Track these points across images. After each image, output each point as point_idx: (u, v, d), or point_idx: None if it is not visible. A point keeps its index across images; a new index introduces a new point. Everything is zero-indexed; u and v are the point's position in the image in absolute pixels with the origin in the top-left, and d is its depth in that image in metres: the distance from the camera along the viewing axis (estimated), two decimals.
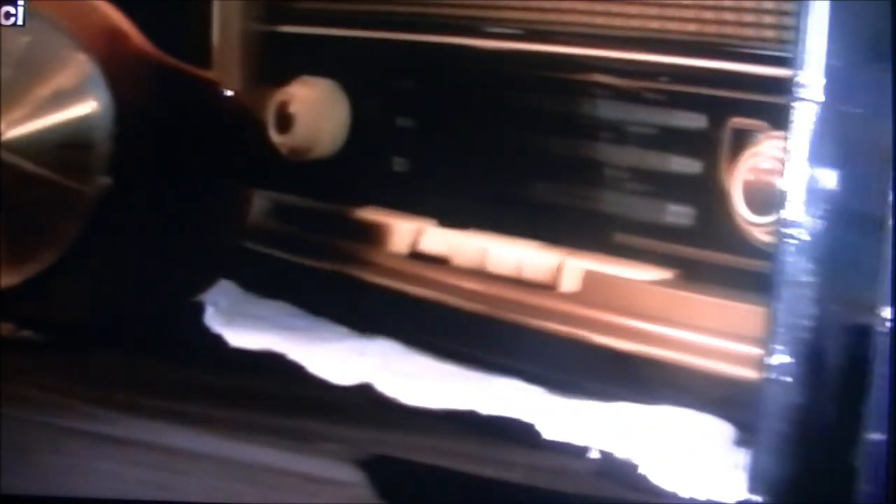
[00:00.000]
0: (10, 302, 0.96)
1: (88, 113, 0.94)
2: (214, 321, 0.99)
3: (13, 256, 0.96)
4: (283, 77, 1.03)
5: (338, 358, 0.94)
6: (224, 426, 0.85)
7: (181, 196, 0.94)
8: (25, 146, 0.95)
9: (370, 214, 1.01)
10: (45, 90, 0.95)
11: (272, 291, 1.03)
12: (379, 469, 0.79)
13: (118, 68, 0.94)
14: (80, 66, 0.94)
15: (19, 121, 0.95)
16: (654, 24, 0.86)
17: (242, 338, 0.97)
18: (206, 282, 0.98)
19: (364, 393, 0.90)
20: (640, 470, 0.79)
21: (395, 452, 0.83)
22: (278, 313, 1.02)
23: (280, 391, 0.91)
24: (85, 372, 0.93)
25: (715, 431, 0.81)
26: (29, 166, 0.95)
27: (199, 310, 0.99)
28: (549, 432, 0.84)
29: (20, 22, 0.90)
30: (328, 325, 1.01)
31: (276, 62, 1.04)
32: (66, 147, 0.95)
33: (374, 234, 1.00)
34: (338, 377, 0.91)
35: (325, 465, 0.80)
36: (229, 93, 0.96)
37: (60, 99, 0.95)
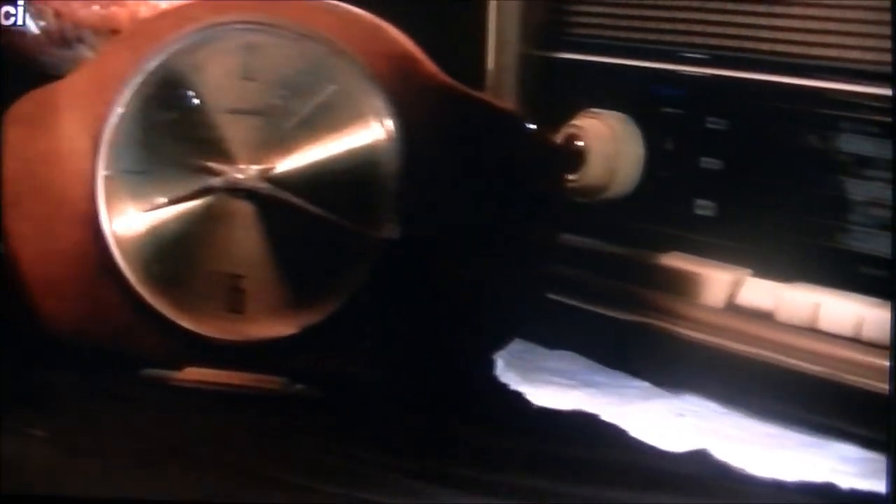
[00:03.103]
0: (284, 354, 0.89)
1: (373, 147, 0.86)
2: (509, 376, 0.90)
3: (288, 304, 0.88)
4: (564, 108, 0.96)
5: (656, 419, 0.85)
6: (535, 498, 0.77)
7: (476, 242, 0.85)
8: (300, 183, 0.87)
9: (673, 261, 0.92)
10: (322, 121, 0.87)
11: (563, 342, 0.94)
12: None
13: (408, 98, 0.86)
14: (364, 94, 0.86)
15: (293, 154, 0.87)
16: None
17: (545, 396, 0.88)
18: (506, 337, 0.88)
19: (699, 460, 0.80)
20: None
21: None
22: (573, 366, 0.93)
23: (598, 457, 0.81)
24: (374, 433, 0.84)
25: None
26: (304, 205, 0.88)
27: (487, 363, 0.91)
28: None
29: (20, 22, 0.84)
30: (628, 379, 0.92)
31: (556, 91, 0.97)
32: (347, 185, 0.86)
33: (681, 283, 0.90)
34: (666, 441, 0.81)
35: None
36: (531, 126, 0.87)
37: (340, 131, 0.86)
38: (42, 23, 1.02)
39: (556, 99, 0.95)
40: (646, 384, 0.90)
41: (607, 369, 0.92)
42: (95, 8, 1.01)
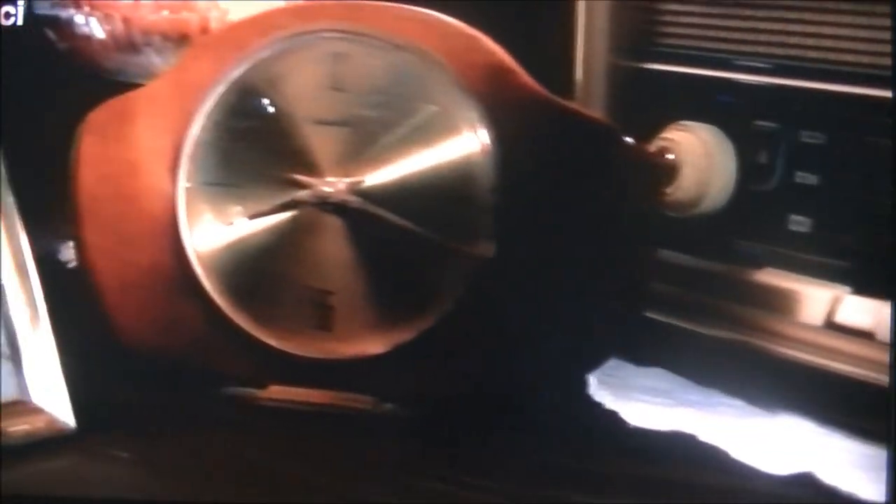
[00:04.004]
0: (373, 372, 0.86)
1: (467, 161, 0.83)
2: (602, 395, 0.88)
3: (378, 322, 0.85)
4: (654, 120, 0.94)
5: (755, 439, 0.83)
6: None
7: (574, 259, 0.82)
8: (391, 196, 0.84)
9: (768, 278, 0.90)
10: (414, 133, 0.84)
11: (652, 359, 0.92)
12: None
13: (503, 110, 0.83)
14: (458, 106, 0.83)
15: (383, 167, 0.85)
16: None
17: (640, 415, 0.86)
18: (603, 356, 0.85)
19: (805, 483, 0.78)
20: None
21: None
22: (665, 384, 0.91)
23: (700, 480, 0.78)
24: (465, 455, 0.82)
25: None
26: (395, 220, 0.85)
27: (581, 382, 0.89)
28: None
29: (20, 22, 0.81)
30: (721, 398, 0.89)
31: (647, 103, 0.95)
32: (439, 199, 0.84)
33: (777, 300, 0.88)
34: (767, 464, 0.79)
35: None
36: (629, 140, 0.85)
37: (433, 144, 0.84)
38: (108, 28, 0.99)
39: (646, 111, 0.93)
40: (740, 403, 0.88)
41: (699, 387, 0.90)
42: (164, 13, 0.99)
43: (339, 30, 0.85)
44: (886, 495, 0.74)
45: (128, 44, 1.00)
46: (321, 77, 0.86)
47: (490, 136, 0.83)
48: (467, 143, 0.84)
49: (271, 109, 0.86)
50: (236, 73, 0.86)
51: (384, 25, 0.85)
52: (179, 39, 0.98)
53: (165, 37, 0.99)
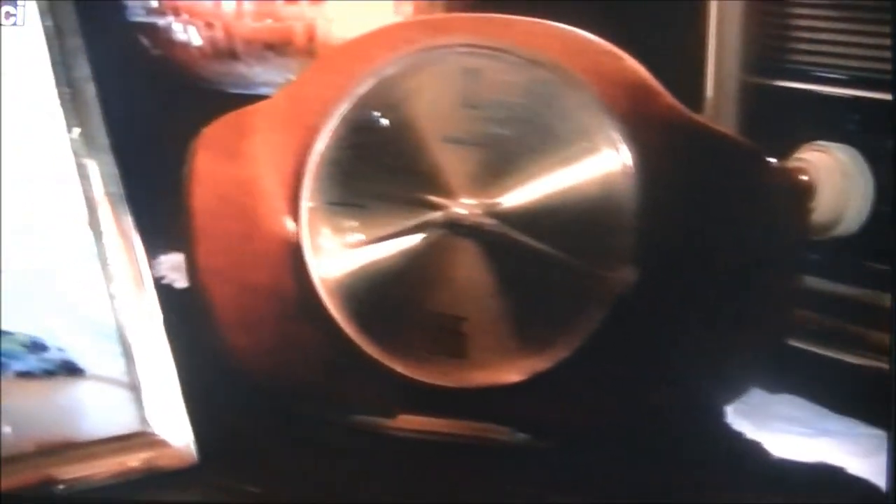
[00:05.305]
0: (508, 402, 0.83)
1: (607, 182, 0.79)
2: (742, 424, 0.85)
3: (514, 349, 0.82)
4: (788, 140, 0.91)
5: None
6: None
7: (719, 285, 0.79)
8: (528, 219, 0.81)
9: None
10: (552, 153, 0.80)
11: (786, 386, 0.89)
12: None
13: (645, 131, 0.79)
14: (598, 126, 0.79)
15: (520, 189, 0.81)
16: None
17: (783, 446, 0.83)
18: (746, 386, 0.81)
19: None
20: None
21: None
22: (802, 413, 0.87)
23: None
24: (604, 488, 0.78)
25: None
26: (533, 243, 0.82)
27: (721, 412, 0.86)
28: None
29: (20, 22, 0.79)
30: (861, 427, 0.86)
31: (780, 122, 0.91)
32: (578, 222, 0.80)
33: None
34: None
35: None
36: (772, 160, 0.82)
37: (572, 164, 0.80)
38: (207, 35, 0.95)
39: (779, 130, 0.90)
40: (881, 432, 0.85)
41: (837, 416, 0.87)
42: (268, 21, 0.95)
43: (473, 44, 0.81)
44: None
45: (227, 52, 0.95)
46: (453, 94, 0.82)
47: (632, 157, 0.80)
48: (608, 164, 0.80)
49: (399, 127, 0.83)
50: (362, 88, 0.83)
51: (520, 40, 0.82)
52: (282, 48, 0.95)
53: (267, 45, 0.95)
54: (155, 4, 0.96)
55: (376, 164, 0.83)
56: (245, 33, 0.95)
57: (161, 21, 0.95)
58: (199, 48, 0.96)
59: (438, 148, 0.82)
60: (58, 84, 0.80)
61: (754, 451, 0.83)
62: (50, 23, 0.81)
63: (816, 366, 0.88)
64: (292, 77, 0.92)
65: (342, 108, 0.83)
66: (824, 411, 0.87)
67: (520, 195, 0.82)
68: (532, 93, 0.81)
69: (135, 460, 0.80)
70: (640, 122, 0.80)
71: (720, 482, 0.81)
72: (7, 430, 0.79)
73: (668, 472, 0.81)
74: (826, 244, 0.88)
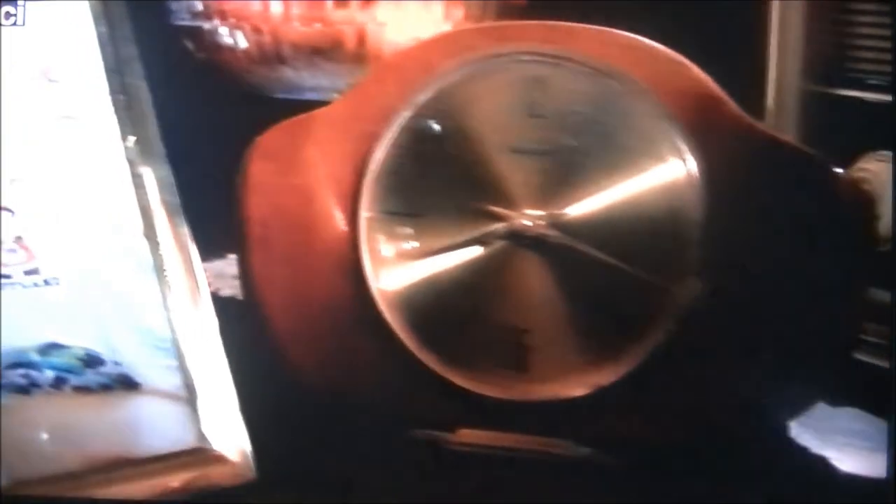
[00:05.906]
0: (571, 416, 0.81)
1: (674, 193, 0.78)
2: (806, 439, 0.84)
3: (578, 363, 0.80)
4: (849, 150, 0.90)
5: None
6: None
7: (787, 298, 0.77)
8: (593, 230, 0.79)
9: None
10: (618, 164, 0.79)
11: (846, 399, 0.88)
12: None
13: (712, 141, 0.78)
14: (665, 136, 0.78)
15: (585, 200, 0.80)
16: None
17: (847, 460, 0.83)
18: (812, 400, 0.80)
19: None
20: None
21: None
22: (863, 426, 0.86)
23: None
24: None
25: None
26: (598, 255, 0.80)
27: (785, 425, 0.85)
28: None
29: (20, 23, 0.77)
30: None
31: (841, 132, 0.90)
32: (644, 234, 0.79)
33: None
34: None
35: None
36: (839, 170, 0.81)
37: (638, 175, 0.79)
38: (255, 39, 0.93)
39: (840, 140, 0.89)
40: None
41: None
42: (317, 26, 0.93)
43: (537, 52, 0.80)
44: None
45: (274, 56, 0.94)
46: (517, 102, 0.80)
47: (698, 167, 0.79)
48: (674, 173, 0.79)
49: (461, 136, 0.81)
50: (423, 96, 0.82)
51: (585, 49, 0.80)
52: (331, 53, 0.93)
53: (316, 50, 0.93)
54: (200, 7, 0.94)
55: (437, 174, 0.82)
56: (293, 38, 0.93)
57: (207, 25, 0.94)
58: (245, 53, 0.94)
59: (502, 158, 0.81)
60: (112, 92, 0.79)
61: (824, 466, 0.82)
62: (104, 29, 0.79)
63: (880, 378, 0.88)
64: (341, 82, 0.92)
65: (402, 116, 0.81)
66: (884, 425, 0.86)
67: (584, 206, 0.80)
68: (597, 102, 0.80)
69: (191, 476, 0.79)
70: (705, 132, 0.79)
71: (794, 498, 0.80)
72: (44, 436, 0.78)
73: (731, 486, 0.80)
74: (889, 255, 0.88)
